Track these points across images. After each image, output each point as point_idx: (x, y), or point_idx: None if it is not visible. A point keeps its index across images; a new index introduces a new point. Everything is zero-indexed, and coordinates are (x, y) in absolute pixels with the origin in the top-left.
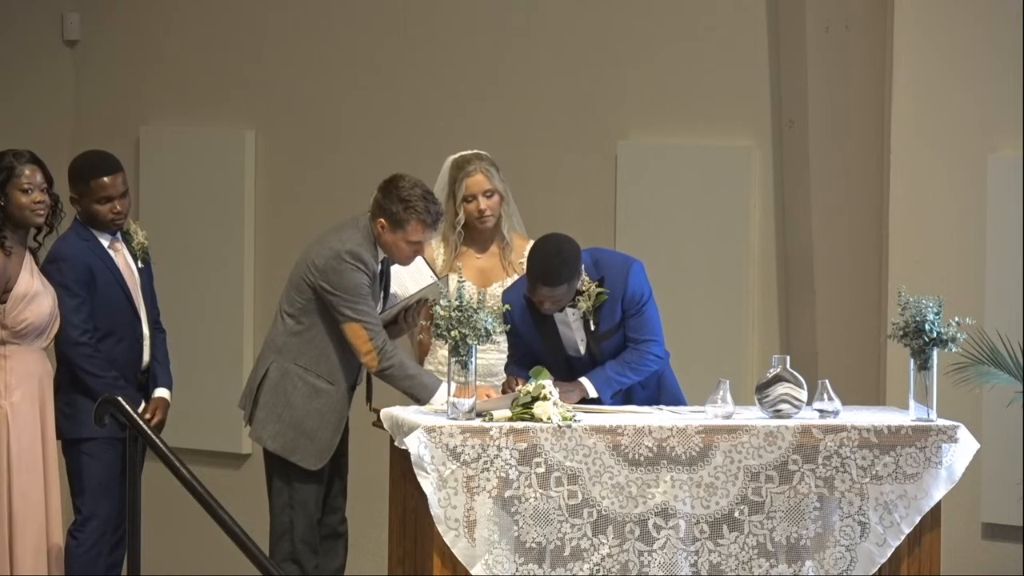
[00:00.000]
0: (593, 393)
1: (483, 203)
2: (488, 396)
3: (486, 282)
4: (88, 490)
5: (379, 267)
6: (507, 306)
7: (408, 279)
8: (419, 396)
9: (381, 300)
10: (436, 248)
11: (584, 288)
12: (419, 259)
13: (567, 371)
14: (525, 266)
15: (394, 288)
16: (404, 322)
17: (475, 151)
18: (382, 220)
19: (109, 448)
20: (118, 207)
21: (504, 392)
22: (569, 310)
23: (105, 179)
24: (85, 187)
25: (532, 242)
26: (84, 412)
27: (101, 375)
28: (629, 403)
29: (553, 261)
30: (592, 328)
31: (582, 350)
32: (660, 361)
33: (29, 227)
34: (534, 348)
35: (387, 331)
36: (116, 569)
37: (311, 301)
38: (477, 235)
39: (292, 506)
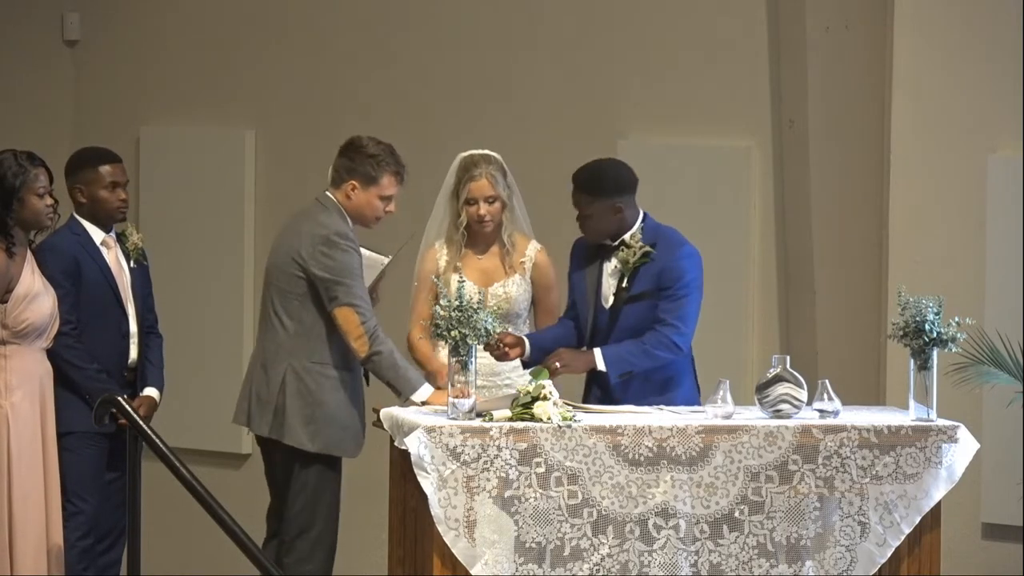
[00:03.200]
0: (601, 366)
1: (483, 208)
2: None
3: (487, 282)
4: (69, 486)
5: None
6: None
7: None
8: (401, 389)
9: None
10: (440, 250)
11: (632, 244)
12: (363, 249)
13: (593, 326)
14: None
15: None
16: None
17: (485, 152)
18: (352, 182)
19: (91, 443)
20: (123, 195)
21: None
22: (613, 261)
23: (111, 166)
24: (93, 174)
25: (535, 242)
26: (64, 406)
27: (82, 367)
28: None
29: (598, 167)
30: (623, 285)
31: (608, 304)
32: (677, 350)
33: (38, 229)
34: (577, 293)
35: None
36: (114, 569)
37: (306, 296)
38: (478, 238)
39: (315, 506)
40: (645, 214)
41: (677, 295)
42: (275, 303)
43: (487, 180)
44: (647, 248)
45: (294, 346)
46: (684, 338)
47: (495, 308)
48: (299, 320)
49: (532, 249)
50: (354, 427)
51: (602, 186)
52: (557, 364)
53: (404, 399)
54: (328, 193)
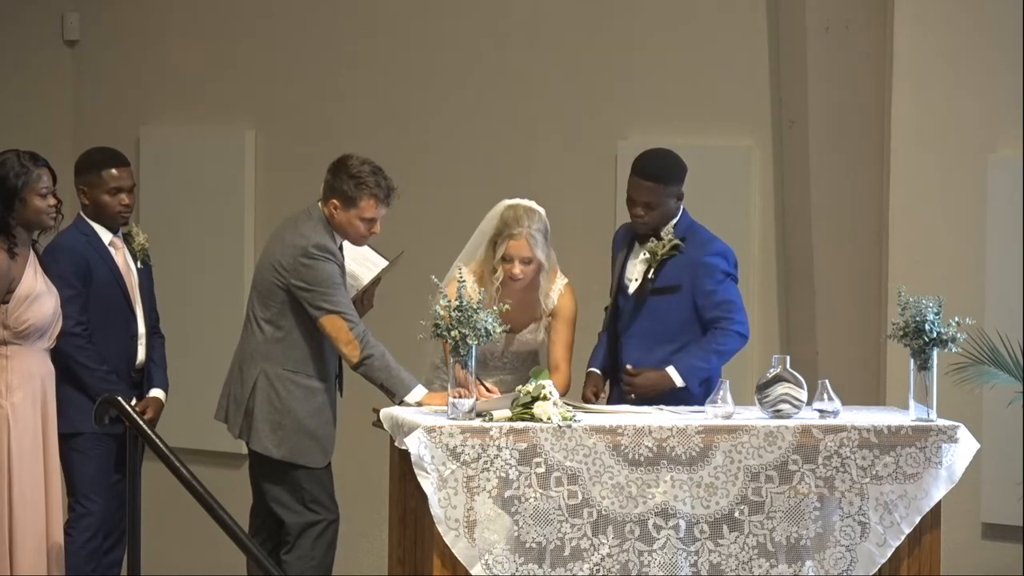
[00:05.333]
0: (680, 382)
1: (518, 268)
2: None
3: (516, 327)
4: (79, 487)
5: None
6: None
7: (359, 271)
8: (396, 390)
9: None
10: (473, 287)
11: (664, 236)
12: (367, 248)
13: (612, 319)
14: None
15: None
16: (361, 305)
17: (529, 206)
18: (334, 201)
19: (100, 444)
20: (126, 200)
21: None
22: (643, 251)
23: (116, 170)
24: (97, 177)
25: (562, 277)
26: (74, 407)
27: (93, 368)
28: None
29: (654, 155)
30: (649, 276)
31: (631, 290)
32: (742, 338)
33: (41, 229)
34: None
35: None
36: (115, 568)
37: (286, 304)
38: (508, 291)
39: (307, 507)
40: (684, 209)
41: (716, 290)
42: (256, 306)
43: (527, 241)
44: (676, 241)
45: (269, 351)
46: (744, 325)
47: (517, 350)
48: (276, 326)
49: (559, 284)
50: (323, 438)
51: (675, 173)
52: (632, 396)
53: (398, 401)
54: (319, 204)
